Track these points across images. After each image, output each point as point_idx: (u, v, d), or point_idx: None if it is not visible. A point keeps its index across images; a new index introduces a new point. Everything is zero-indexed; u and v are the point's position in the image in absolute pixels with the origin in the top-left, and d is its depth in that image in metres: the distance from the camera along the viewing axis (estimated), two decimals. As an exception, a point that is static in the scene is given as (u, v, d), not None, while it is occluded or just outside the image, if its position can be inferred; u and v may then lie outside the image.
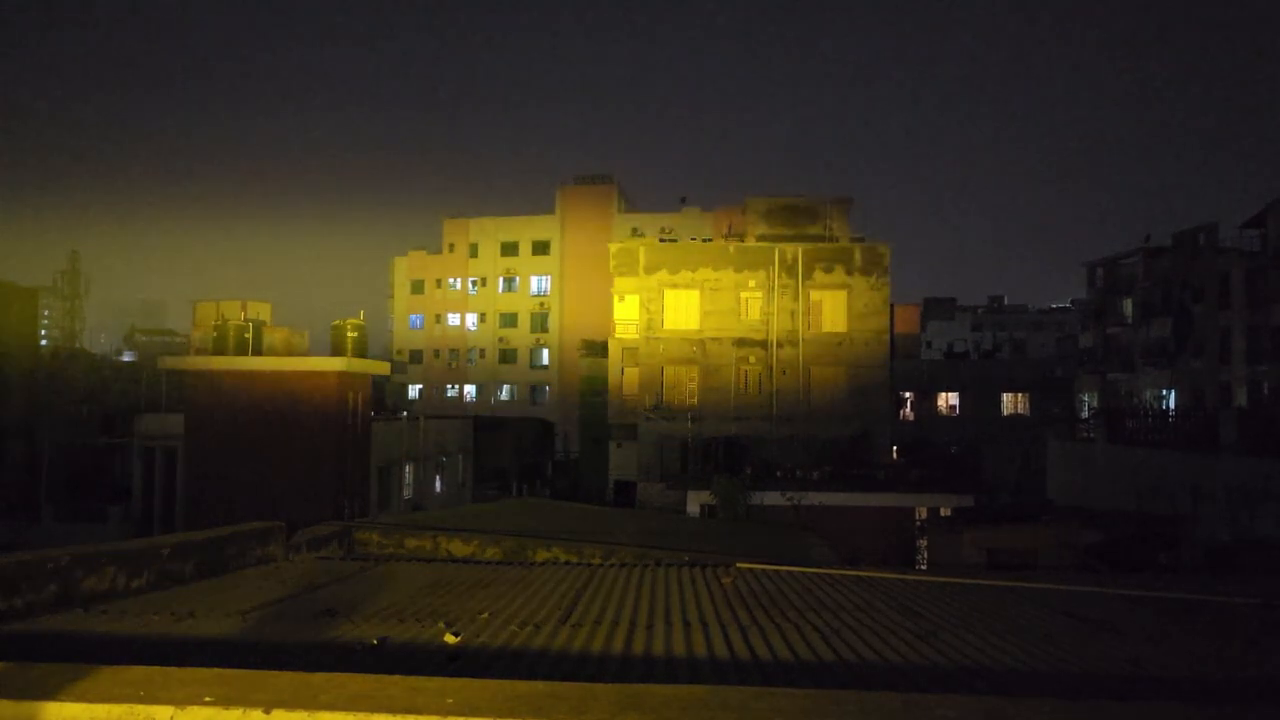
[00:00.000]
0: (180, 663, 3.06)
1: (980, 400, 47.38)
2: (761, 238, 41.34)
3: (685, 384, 39.80)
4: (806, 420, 38.84)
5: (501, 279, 75.43)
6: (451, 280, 76.37)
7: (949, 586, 7.78)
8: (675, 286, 40.02)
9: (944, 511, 28.40)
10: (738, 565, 8.74)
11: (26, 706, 2.64)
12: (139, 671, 2.94)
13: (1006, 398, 47.73)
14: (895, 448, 41.32)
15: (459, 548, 11.11)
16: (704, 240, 47.48)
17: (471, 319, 75.96)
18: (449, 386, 75.60)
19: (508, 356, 74.74)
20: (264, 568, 8.82)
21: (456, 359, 75.66)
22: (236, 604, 6.51)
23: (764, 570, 8.60)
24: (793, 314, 39.62)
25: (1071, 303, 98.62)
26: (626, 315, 41.41)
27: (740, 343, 39.74)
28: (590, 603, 6.73)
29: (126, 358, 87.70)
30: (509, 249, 75.28)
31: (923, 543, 23.62)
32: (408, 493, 33.25)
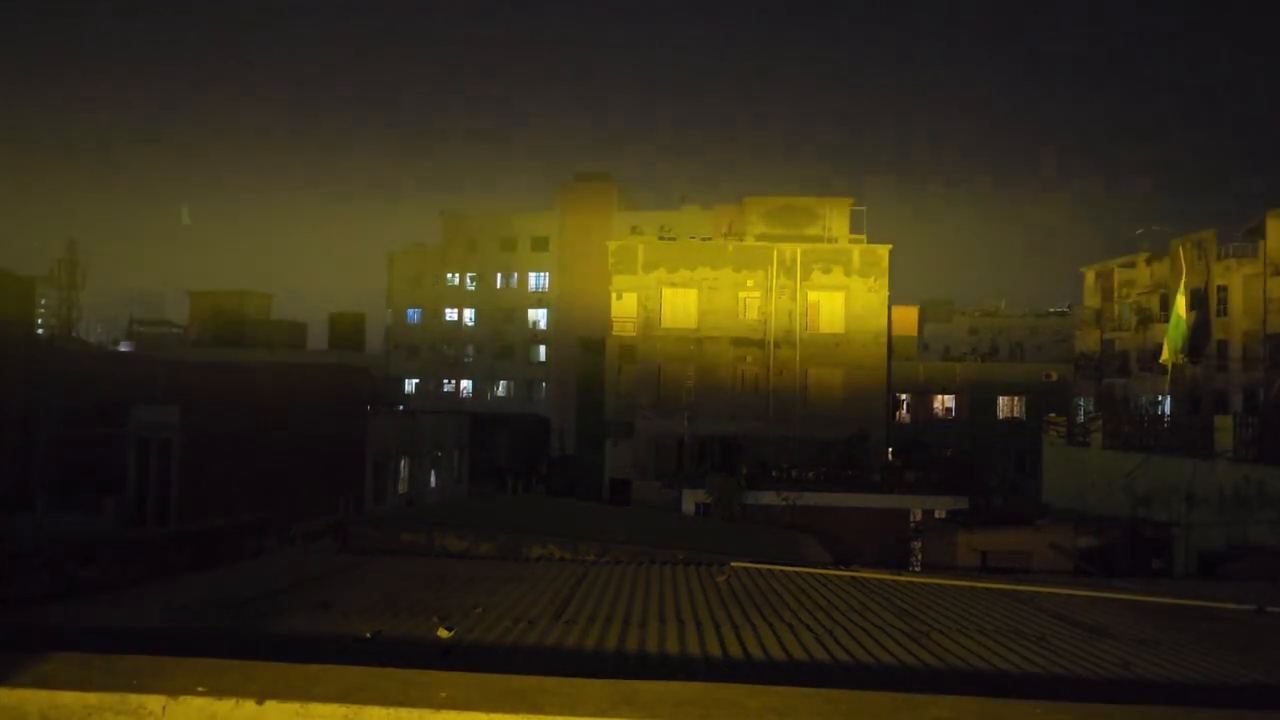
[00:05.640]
0: (173, 653, 3.06)
1: (976, 403, 47.41)
2: (760, 237, 41.34)
3: (682, 383, 39.80)
4: (803, 420, 38.87)
5: (500, 275, 75.36)
6: (450, 275, 76.28)
7: (943, 588, 7.79)
8: (673, 285, 40.02)
9: (939, 513, 28.43)
10: (732, 564, 8.74)
11: (19, 694, 2.63)
12: (132, 661, 2.93)
13: (1003, 401, 47.76)
14: (891, 449, 41.33)
15: (453, 543, 11.11)
16: (703, 239, 47.42)
17: (469, 314, 75.88)
18: (445, 381, 75.50)
19: (505, 352, 74.66)
20: (258, 560, 8.82)
21: (454, 354, 75.59)
22: (230, 596, 6.51)
23: (758, 569, 8.61)
24: (790, 314, 39.63)
25: (1069, 307, 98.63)
26: (624, 313, 41.40)
27: (738, 342, 39.75)
28: (584, 599, 6.73)
29: (123, 348, 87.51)
30: (507, 245, 75.22)
31: (917, 544, 23.60)
32: (403, 487, 33.23)
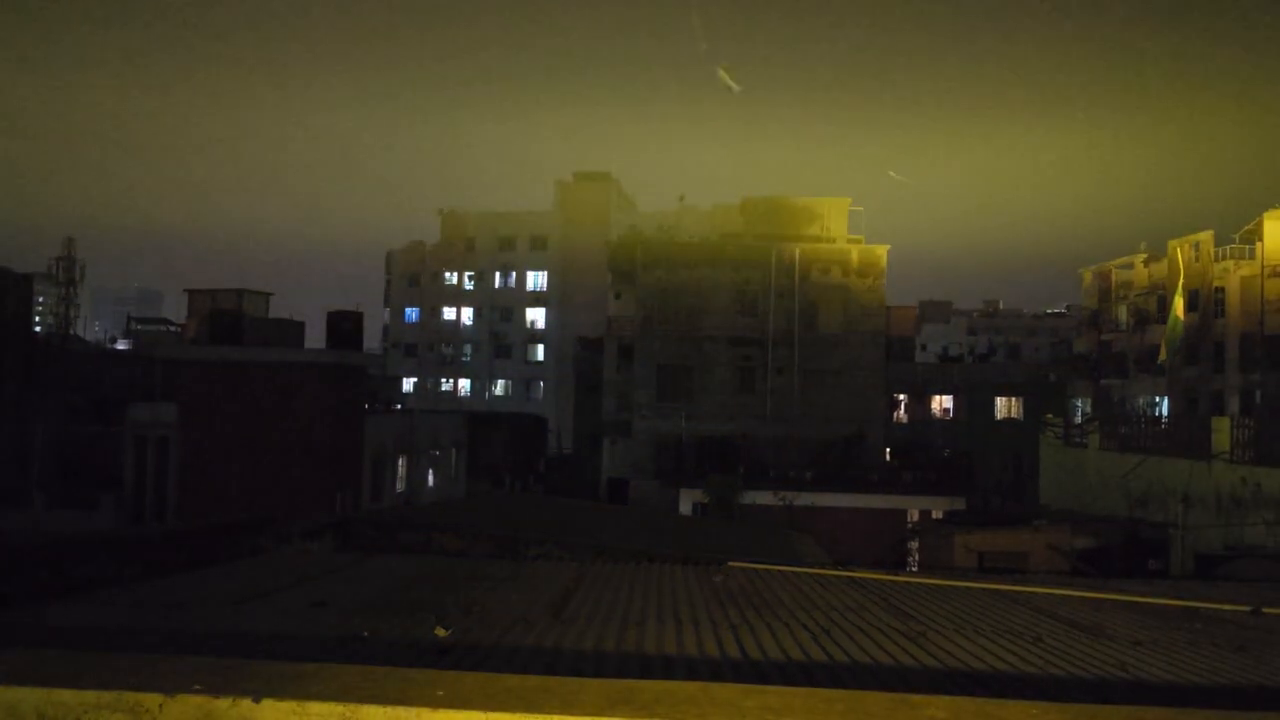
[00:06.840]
0: (171, 651, 3.06)
1: (974, 404, 47.45)
2: (759, 237, 41.35)
3: (680, 382, 39.81)
4: (800, 420, 38.88)
5: (498, 273, 75.29)
6: (448, 274, 76.21)
7: (940, 589, 7.80)
8: (671, 284, 40.02)
9: (936, 514, 28.46)
10: (729, 564, 8.75)
11: (15, 692, 2.63)
12: (129, 659, 2.93)
13: (1000, 402, 47.78)
14: (888, 450, 41.36)
15: (451, 542, 11.12)
16: (701, 239, 47.45)
17: (467, 313, 75.81)
18: (444, 380, 75.44)
19: (503, 351, 74.60)
20: (255, 558, 8.81)
21: (452, 352, 75.52)
22: (227, 594, 6.51)
23: (755, 569, 8.61)
24: (789, 314, 39.65)
25: (1067, 308, 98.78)
26: (622, 312, 41.42)
27: (736, 341, 39.76)
28: (582, 599, 6.74)
29: (121, 346, 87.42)
30: (506, 244, 75.14)
31: (914, 545, 23.64)
32: (400, 486, 33.21)
